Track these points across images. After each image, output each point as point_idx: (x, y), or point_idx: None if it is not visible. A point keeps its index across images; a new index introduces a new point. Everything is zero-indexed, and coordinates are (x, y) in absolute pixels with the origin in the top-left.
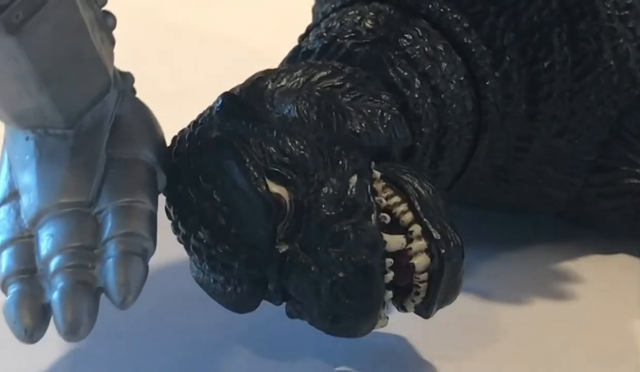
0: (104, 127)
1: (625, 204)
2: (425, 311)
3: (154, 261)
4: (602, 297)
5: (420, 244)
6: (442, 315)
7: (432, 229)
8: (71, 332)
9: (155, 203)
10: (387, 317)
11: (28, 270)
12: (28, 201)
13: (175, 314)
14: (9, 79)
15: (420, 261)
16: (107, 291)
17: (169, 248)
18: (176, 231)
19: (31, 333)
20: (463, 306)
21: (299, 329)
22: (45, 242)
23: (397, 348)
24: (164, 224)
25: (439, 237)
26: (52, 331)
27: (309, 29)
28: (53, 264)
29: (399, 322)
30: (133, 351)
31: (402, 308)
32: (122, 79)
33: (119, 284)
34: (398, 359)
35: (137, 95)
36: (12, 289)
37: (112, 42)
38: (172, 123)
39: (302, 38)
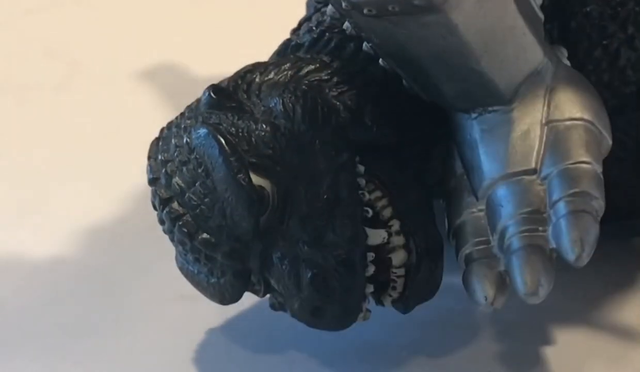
0: (540, 97)
1: (617, 202)
2: (402, 306)
3: (153, 261)
4: (600, 295)
5: (398, 239)
6: (436, 313)
7: (411, 225)
8: (531, 293)
9: (599, 164)
10: (370, 311)
11: (483, 241)
12: (475, 178)
13: (174, 313)
14: (449, 56)
15: (398, 256)
16: (560, 249)
17: (168, 248)
18: (161, 222)
19: (492, 300)
20: (460, 304)
21: (298, 329)
22: (495, 213)
23: (386, 346)
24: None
25: (417, 233)
26: (48, 330)
27: (301, 22)
28: (506, 231)
29: (388, 320)
30: (132, 351)
31: (379, 302)
32: (556, 49)
33: (572, 241)
34: (388, 357)
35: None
36: (470, 260)
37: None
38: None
39: (294, 31)
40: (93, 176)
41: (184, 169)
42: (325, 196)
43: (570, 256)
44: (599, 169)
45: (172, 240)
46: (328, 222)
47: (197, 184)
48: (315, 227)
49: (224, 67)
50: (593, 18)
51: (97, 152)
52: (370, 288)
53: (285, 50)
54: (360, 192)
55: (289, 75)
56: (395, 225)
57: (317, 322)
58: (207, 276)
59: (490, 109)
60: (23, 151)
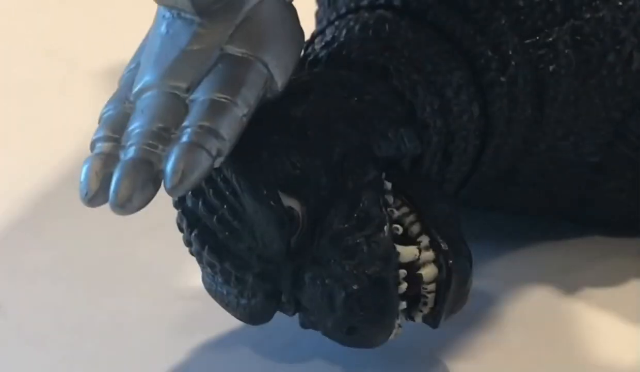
0: (231, 21)
1: (628, 204)
2: (432, 321)
3: (153, 261)
4: (604, 296)
5: (428, 254)
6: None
7: (440, 240)
8: (119, 205)
9: (248, 106)
10: (401, 327)
11: (116, 138)
12: (140, 75)
13: (174, 313)
14: None
15: (428, 272)
16: (163, 173)
17: (168, 248)
18: (188, 244)
19: (90, 197)
20: (465, 305)
21: (298, 328)
22: (135, 116)
23: (399, 348)
24: (162, 224)
25: (446, 248)
26: (48, 330)
27: (313, 36)
28: (130, 138)
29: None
30: (132, 351)
31: (410, 318)
32: None
33: (173, 170)
34: (399, 358)
35: None
36: (93, 152)
37: None
38: None
39: (307, 45)
40: None
41: (211, 191)
42: (355, 215)
43: (167, 184)
44: (242, 111)
45: (199, 262)
46: (359, 241)
47: (225, 207)
48: (346, 247)
49: None
50: (606, 23)
51: None
52: (402, 305)
53: (302, 66)
54: (389, 209)
55: None
56: (424, 240)
57: (351, 341)
58: (237, 298)
59: (182, 15)
60: (23, 151)
